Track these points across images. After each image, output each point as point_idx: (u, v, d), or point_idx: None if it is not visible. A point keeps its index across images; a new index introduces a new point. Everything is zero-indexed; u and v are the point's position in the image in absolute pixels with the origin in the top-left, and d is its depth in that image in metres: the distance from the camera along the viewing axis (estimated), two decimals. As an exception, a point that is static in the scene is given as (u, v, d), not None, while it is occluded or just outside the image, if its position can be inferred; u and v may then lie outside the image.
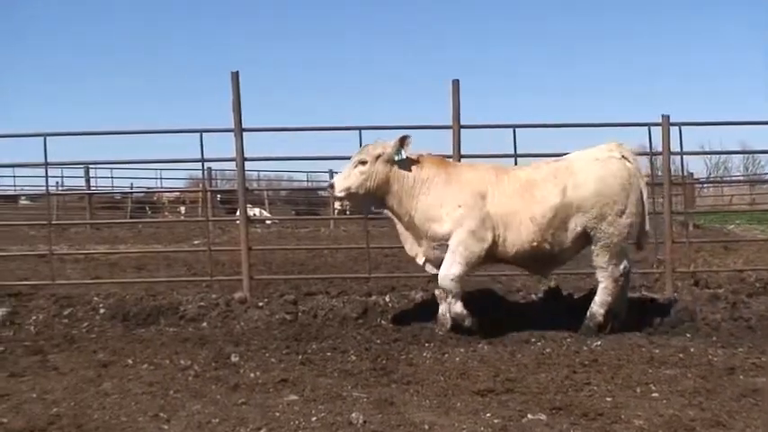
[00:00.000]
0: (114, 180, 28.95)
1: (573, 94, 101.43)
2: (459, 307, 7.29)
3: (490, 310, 7.98)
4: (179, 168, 48.91)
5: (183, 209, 30.63)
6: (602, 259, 7.33)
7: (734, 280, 9.24)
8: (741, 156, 61.45)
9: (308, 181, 31.80)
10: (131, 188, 27.16)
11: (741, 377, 5.85)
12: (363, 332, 7.71)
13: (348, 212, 21.72)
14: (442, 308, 7.55)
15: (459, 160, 8.61)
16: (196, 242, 17.01)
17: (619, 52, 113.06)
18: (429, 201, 7.27)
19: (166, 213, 29.86)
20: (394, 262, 11.76)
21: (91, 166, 24.20)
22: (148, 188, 28.51)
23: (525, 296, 8.75)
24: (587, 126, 9.75)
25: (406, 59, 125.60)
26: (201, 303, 8.48)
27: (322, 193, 26.16)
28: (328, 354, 6.78)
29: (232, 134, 8.99)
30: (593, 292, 7.55)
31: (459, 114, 8.82)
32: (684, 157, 9.98)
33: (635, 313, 7.77)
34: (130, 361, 6.56)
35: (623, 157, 7.39)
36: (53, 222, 11.20)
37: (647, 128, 9.34)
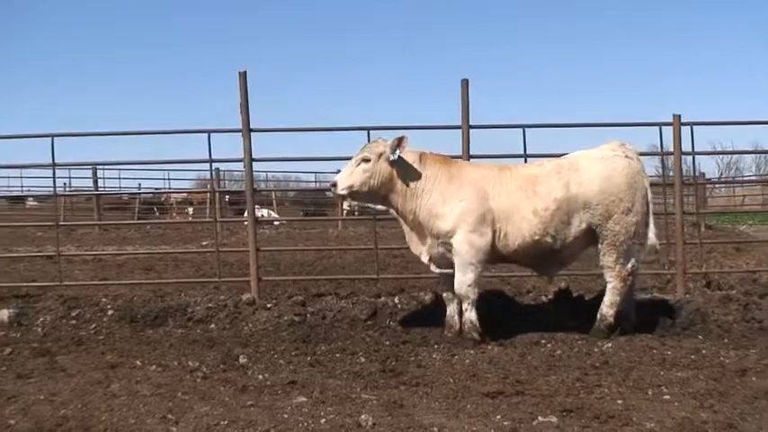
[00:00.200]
0: (122, 181, 29.06)
1: (583, 93, 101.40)
2: (474, 316, 7.24)
3: (500, 312, 7.94)
4: (187, 169, 48.92)
5: (190, 210, 30.67)
6: (609, 258, 7.30)
7: (746, 281, 9.19)
8: (753, 156, 61.31)
9: (316, 181, 31.78)
10: (139, 189, 27.21)
11: (753, 379, 5.80)
12: (372, 334, 7.69)
13: (357, 213, 21.68)
14: (450, 310, 7.51)
15: (469, 160, 8.57)
16: (204, 243, 17.02)
17: (629, 52, 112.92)
18: (432, 198, 7.24)
19: (174, 214, 29.90)
20: (403, 263, 11.74)
21: (98, 166, 24.24)
22: (156, 189, 28.53)
23: (535, 297, 8.73)
24: (598, 126, 9.70)
25: (415, 59, 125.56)
26: (210, 305, 8.46)
27: (330, 193, 26.12)
28: (337, 355, 6.75)
29: (240, 134, 8.97)
30: (603, 294, 7.49)
31: (468, 114, 8.79)
32: (696, 157, 9.91)
33: (646, 315, 7.73)
34: (138, 363, 6.53)
35: (626, 156, 7.38)
36: (61, 223, 11.17)
37: (658, 127, 9.29)
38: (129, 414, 5.08)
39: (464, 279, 7.17)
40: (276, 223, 24.23)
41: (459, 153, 8.71)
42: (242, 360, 6.58)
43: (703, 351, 6.67)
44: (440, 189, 7.25)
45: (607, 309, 7.34)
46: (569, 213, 7.20)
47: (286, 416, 4.99)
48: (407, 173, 7.31)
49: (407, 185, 7.30)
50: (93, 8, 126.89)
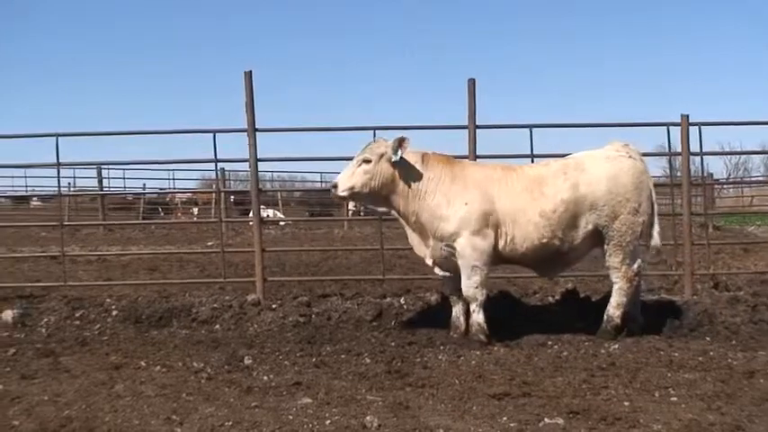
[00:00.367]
0: (127, 181, 29.03)
1: (589, 94, 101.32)
2: (481, 318, 7.20)
3: (506, 313, 7.92)
4: (192, 169, 48.89)
5: (195, 210, 30.68)
6: (615, 259, 7.26)
7: (754, 282, 9.16)
8: (762, 156, 61.13)
9: (321, 182, 31.75)
10: (144, 189, 27.22)
11: (761, 381, 5.77)
12: (378, 335, 7.66)
13: (362, 213, 21.67)
14: (456, 311, 7.48)
15: (475, 161, 8.53)
16: (209, 243, 17.02)
17: (636, 51, 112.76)
18: (435, 200, 7.18)
19: (179, 214, 29.91)
20: (408, 264, 11.71)
21: (103, 166, 24.24)
22: (161, 189, 28.54)
23: (542, 299, 8.71)
24: (606, 126, 9.67)
25: (421, 59, 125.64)
26: (214, 305, 8.44)
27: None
28: (342, 356, 6.73)
29: (245, 134, 8.95)
30: (609, 295, 7.45)
31: (474, 114, 8.76)
32: (704, 157, 9.87)
33: (653, 316, 7.69)
34: (143, 363, 6.52)
35: (630, 156, 7.37)
36: (65, 223, 11.20)
37: (666, 128, 9.25)
38: (134, 415, 5.07)
39: (470, 282, 7.13)
40: (281, 224, 24.21)
41: (465, 153, 8.68)
42: (247, 361, 6.56)
43: (711, 353, 6.65)
44: (443, 190, 7.20)
45: (614, 310, 7.30)
46: (576, 214, 7.16)
47: (291, 417, 4.97)
48: (409, 174, 7.25)
49: (409, 186, 7.24)
50: (96, 8, 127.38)
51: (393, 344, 7.22)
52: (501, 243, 7.17)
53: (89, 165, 23.08)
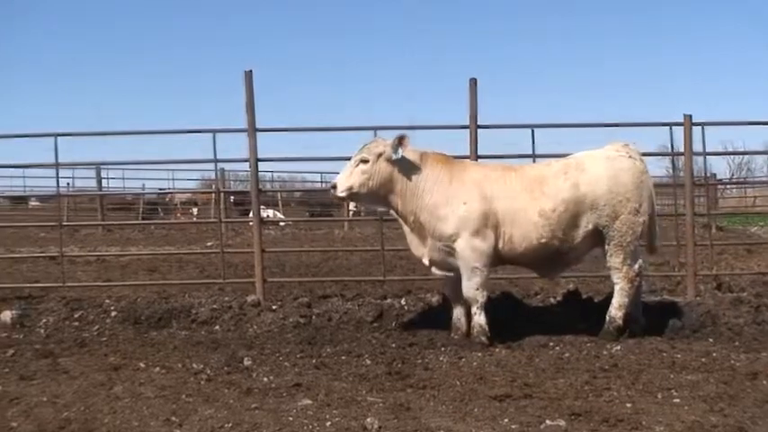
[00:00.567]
0: (126, 181, 29.00)
1: (590, 93, 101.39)
2: (482, 319, 7.18)
3: (508, 314, 7.89)
4: (192, 169, 48.82)
5: (195, 210, 30.65)
6: (616, 259, 7.24)
7: (757, 283, 9.13)
8: (765, 156, 61.04)
9: (321, 182, 31.73)
10: (143, 189, 27.18)
11: (764, 382, 5.75)
12: (378, 336, 7.64)
13: (363, 214, 21.65)
14: (457, 312, 7.46)
15: (477, 161, 8.50)
16: (209, 244, 16.99)
17: (638, 51, 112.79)
18: (434, 199, 7.14)
19: (179, 215, 29.89)
20: (409, 264, 11.65)
21: (102, 166, 24.18)
22: (161, 189, 28.51)
23: (543, 300, 8.68)
24: (608, 126, 9.62)
25: (423, 58, 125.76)
26: (214, 306, 8.42)
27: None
28: (343, 358, 6.71)
29: (245, 134, 8.92)
30: (611, 296, 7.42)
31: (476, 114, 8.73)
32: (707, 157, 9.85)
33: (656, 317, 7.68)
34: (142, 364, 6.49)
35: (630, 156, 7.36)
36: (64, 224, 11.14)
37: (668, 128, 9.23)
38: (133, 416, 5.05)
39: (471, 283, 7.10)
40: (282, 224, 24.18)
41: (466, 153, 8.65)
42: (246, 362, 6.54)
43: (714, 354, 6.63)
44: (441, 190, 7.16)
45: (616, 311, 7.28)
46: (577, 214, 7.14)
47: (291, 419, 4.95)
48: (408, 173, 7.22)
49: (408, 186, 7.21)
50: (96, 8, 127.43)
51: (394, 345, 7.20)
52: (500, 243, 7.14)
53: (88, 165, 23.01)
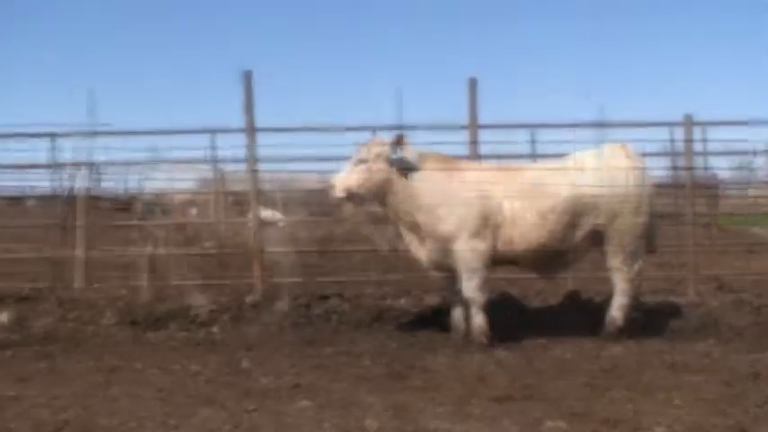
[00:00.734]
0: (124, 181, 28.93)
1: (591, 93, 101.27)
2: (482, 320, 7.16)
3: (508, 315, 7.87)
4: (191, 170, 48.84)
5: (194, 210, 30.61)
6: (616, 260, 7.26)
7: (758, 284, 9.11)
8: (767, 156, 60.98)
9: (321, 182, 31.73)
10: (141, 189, 27.14)
11: (766, 383, 5.75)
12: (378, 336, 7.63)
13: (362, 214, 21.59)
14: (456, 313, 7.44)
15: (477, 161, 8.48)
16: (207, 244, 16.93)
17: (639, 50, 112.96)
18: (433, 200, 7.12)
19: (177, 215, 29.83)
20: (409, 265, 11.63)
21: (101, 166, 24.13)
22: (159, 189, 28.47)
23: (543, 300, 8.65)
24: (607, 126, 9.60)
25: (424, 58, 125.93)
26: (212, 307, 8.40)
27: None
28: (342, 359, 6.70)
29: (244, 134, 8.89)
30: (611, 296, 7.43)
31: (476, 114, 8.73)
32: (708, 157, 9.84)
33: (657, 318, 7.68)
34: (139, 366, 6.49)
35: (628, 157, 7.37)
36: (61, 224, 11.10)
37: (669, 128, 9.21)
38: (130, 418, 5.03)
39: (470, 284, 7.09)
40: (281, 224, 24.14)
41: (466, 153, 8.62)
42: (245, 363, 6.53)
43: (714, 355, 6.65)
44: (440, 190, 7.14)
45: (616, 312, 7.28)
46: (576, 215, 7.13)
47: (290, 420, 4.94)
48: (407, 173, 7.20)
49: (407, 186, 7.18)
50: (96, 8, 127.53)
51: (393, 346, 7.21)
52: (499, 244, 7.12)
53: (86, 165, 22.96)
